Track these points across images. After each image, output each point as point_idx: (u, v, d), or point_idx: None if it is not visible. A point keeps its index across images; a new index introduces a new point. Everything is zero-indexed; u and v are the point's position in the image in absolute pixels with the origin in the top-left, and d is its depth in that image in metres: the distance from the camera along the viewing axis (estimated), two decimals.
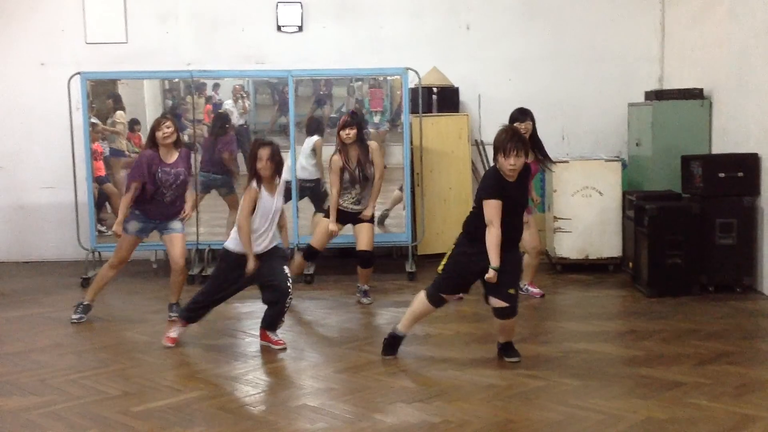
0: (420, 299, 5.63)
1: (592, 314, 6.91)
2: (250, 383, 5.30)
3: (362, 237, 7.25)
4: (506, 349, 5.61)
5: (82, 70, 8.62)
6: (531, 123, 7.03)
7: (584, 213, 8.42)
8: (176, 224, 6.76)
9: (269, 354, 5.88)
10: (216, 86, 9.42)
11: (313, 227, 8.26)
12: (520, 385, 5.11)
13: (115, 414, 4.75)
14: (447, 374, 5.38)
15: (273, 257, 5.96)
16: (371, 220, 7.37)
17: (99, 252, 8.69)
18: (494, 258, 5.26)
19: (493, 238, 5.27)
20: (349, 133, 7.08)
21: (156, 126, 6.64)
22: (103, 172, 9.05)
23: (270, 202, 5.88)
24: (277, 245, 6.05)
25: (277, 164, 5.84)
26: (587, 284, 8.04)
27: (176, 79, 9.19)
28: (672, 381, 5.13)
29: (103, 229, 8.97)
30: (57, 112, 8.99)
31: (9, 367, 5.71)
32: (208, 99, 9.45)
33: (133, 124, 9.12)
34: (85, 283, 8.26)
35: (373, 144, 7.35)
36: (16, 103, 9.54)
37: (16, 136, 9.56)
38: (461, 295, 6.16)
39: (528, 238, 7.12)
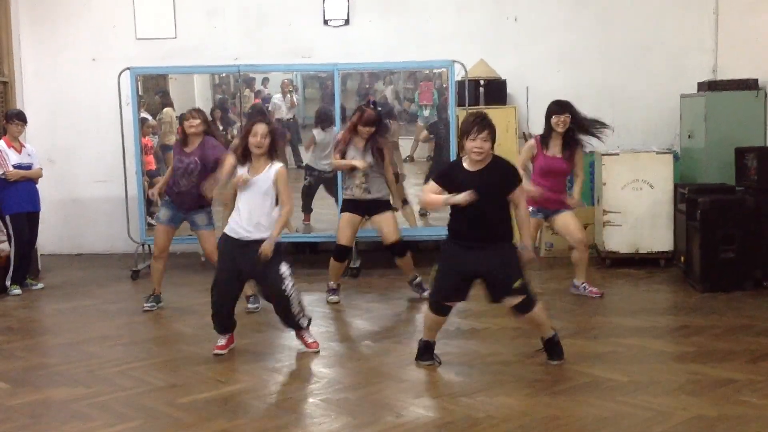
0: (425, 309, 5.50)
1: (642, 309, 6.79)
2: (293, 376, 5.32)
3: (385, 230, 7.05)
4: (548, 350, 5.41)
5: (132, 66, 8.73)
6: (569, 116, 6.91)
7: (634, 206, 8.29)
8: (201, 219, 6.83)
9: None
10: (265, 80, 9.47)
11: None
12: (566, 381, 5.04)
13: (161, 405, 4.80)
14: (492, 369, 5.33)
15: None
16: (389, 208, 7.10)
17: (149, 245, 8.80)
18: (452, 200, 5.00)
19: (431, 204, 5.21)
20: (370, 131, 6.90)
21: (184, 117, 6.85)
22: (153, 166, 9.18)
23: (253, 183, 5.53)
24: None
25: (272, 144, 5.55)
26: (637, 279, 7.90)
27: (224, 74, 9.26)
28: (723, 378, 5.01)
29: (153, 222, 9.08)
30: (108, 107, 9.13)
31: (59, 357, 5.82)
32: (257, 93, 9.50)
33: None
34: (135, 275, 8.39)
35: (387, 144, 7.15)
36: (68, 98, 9.71)
37: (68, 131, 9.73)
38: None
39: (572, 232, 7.03)
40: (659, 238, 8.29)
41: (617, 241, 8.35)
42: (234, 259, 5.57)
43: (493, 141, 5.09)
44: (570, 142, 6.95)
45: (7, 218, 7.85)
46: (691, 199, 7.48)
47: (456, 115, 8.59)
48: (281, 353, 5.79)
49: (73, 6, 9.69)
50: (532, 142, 7.18)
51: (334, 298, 7.15)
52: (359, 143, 6.96)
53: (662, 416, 4.44)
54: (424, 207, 4.98)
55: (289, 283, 5.57)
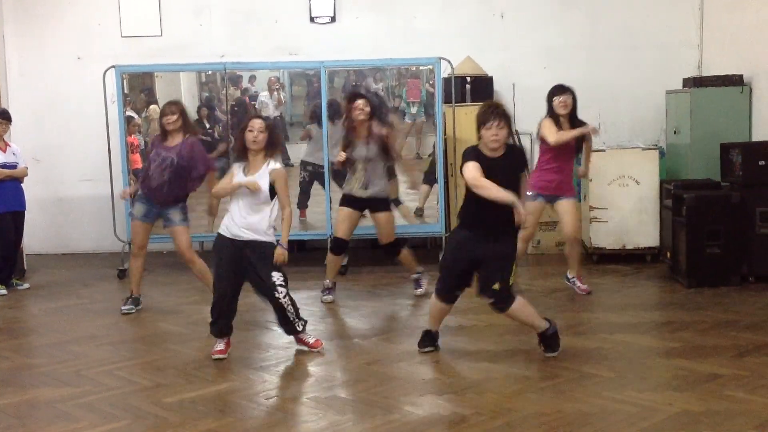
0: (431, 297, 5.59)
1: (629, 305, 6.82)
2: (281, 375, 5.31)
3: (381, 230, 7.05)
4: (543, 342, 5.48)
5: (118, 64, 8.69)
6: (571, 97, 6.92)
7: (621, 202, 8.32)
8: (175, 215, 6.74)
9: (300, 346, 5.87)
10: (252, 78, 9.44)
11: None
12: (553, 377, 5.05)
13: (148, 405, 4.78)
14: (479, 366, 5.33)
15: (261, 256, 5.49)
16: (387, 208, 7.06)
17: None
18: (501, 193, 5.05)
19: (486, 189, 5.10)
20: (364, 109, 6.80)
21: (162, 112, 6.79)
22: (139, 165, 9.11)
23: (243, 179, 5.47)
24: (267, 242, 5.53)
25: (270, 139, 5.51)
26: (624, 275, 7.93)
27: (211, 72, 9.23)
28: (709, 373, 5.03)
29: None
30: (93, 105, 9.06)
31: (45, 358, 5.79)
32: (244, 91, 9.47)
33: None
34: (122, 274, 8.35)
35: (385, 130, 7.02)
36: (53, 97, 9.66)
37: (53, 129, 9.68)
38: None
39: (565, 225, 7.03)
40: (645, 233, 8.32)
41: (604, 237, 8.38)
42: (231, 256, 5.51)
43: (510, 129, 5.29)
44: (574, 123, 6.93)
45: None
46: (677, 195, 7.51)
47: (443, 112, 8.60)
48: (268, 352, 5.78)
49: (58, 4, 9.63)
50: (549, 120, 7.00)
51: (328, 297, 7.13)
52: (361, 133, 6.88)
53: (648, 411, 4.46)
54: (475, 187, 5.03)
55: (282, 291, 5.53)
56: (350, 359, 5.61)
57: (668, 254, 7.82)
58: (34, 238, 9.36)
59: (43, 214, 9.61)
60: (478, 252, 5.26)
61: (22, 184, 8.07)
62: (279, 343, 5.97)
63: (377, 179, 6.96)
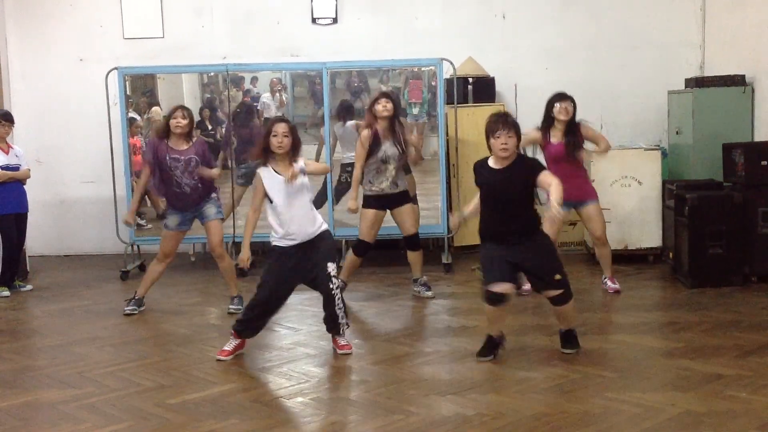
0: (485, 306, 5.47)
1: (631, 305, 6.81)
2: (284, 376, 5.31)
3: (407, 222, 7.04)
4: (565, 339, 5.52)
5: (120, 65, 8.70)
6: (572, 104, 6.95)
7: (623, 203, 8.31)
8: (210, 209, 6.78)
9: (302, 347, 5.88)
10: (254, 79, 9.45)
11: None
12: (556, 378, 5.05)
13: (151, 406, 4.79)
14: (482, 366, 5.33)
15: (317, 251, 5.53)
16: (410, 200, 7.13)
17: (138, 245, 8.78)
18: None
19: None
20: (386, 106, 6.83)
21: (170, 114, 6.74)
22: (141, 167, 9.14)
23: (278, 178, 5.46)
24: (322, 234, 5.60)
25: (294, 141, 5.51)
26: (626, 275, 7.92)
27: (213, 73, 9.24)
28: (712, 373, 5.03)
29: (142, 222, 9.07)
30: (95, 107, 9.08)
31: (48, 359, 5.80)
32: (246, 92, 9.48)
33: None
34: (124, 276, 8.36)
35: (407, 128, 7.12)
36: (55, 98, 9.67)
37: (55, 131, 9.69)
38: (526, 288, 6.20)
39: (592, 229, 7.13)
40: (648, 234, 8.32)
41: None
42: (295, 263, 5.51)
43: (519, 138, 5.28)
44: (572, 131, 6.95)
45: None
46: (680, 195, 7.50)
47: (445, 113, 8.60)
48: (271, 353, 5.78)
49: (60, 6, 9.64)
50: (534, 132, 7.10)
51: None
52: (387, 135, 6.89)
53: (651, 412, 4.46)
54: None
55: (336, 282, 5.56)
56: (353, 360, 5.61)
57: (671, 254, 7.81)
58: (37, 240, 9.38)
59: (46, 215, 9.62)
60: (512, 256, 5.27)
61: (24, 186, 8.09)
62: (282, 344, 5.98)
63: (402, 174, 7.07)
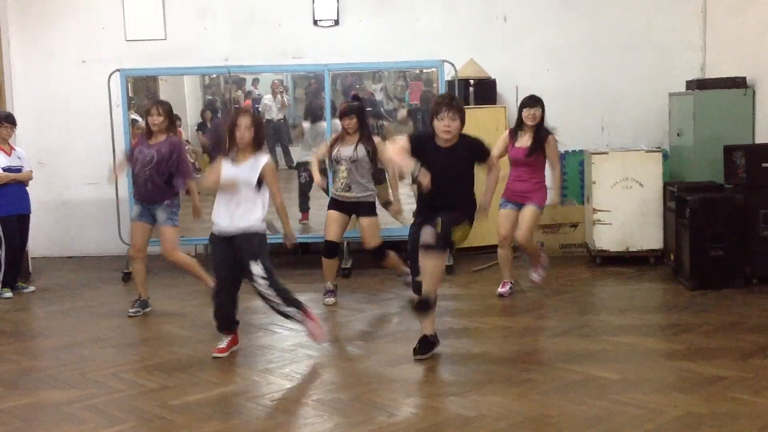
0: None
1: (633, 307, 6.82)
2: (286, 377, 5.32)
3: (365, 235, 7.06)
4: (420, 305, 5.41)
5: (122, 67, 8.72)
6: (540, 110, 7.05)
7: (624, 205, 8.32)
8: (160, 214, 6.80)
9: (304, 348, 5.89)
10: (255, 81, 9.47)
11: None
12: (557, 379, 5.06)
13: (154, 407, 4.80)
14: (483, 368, 5.34)
15: (246, 248, 5.54)
16: (372, 213, 7.08)
17: None
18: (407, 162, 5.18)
19: (394, 152, 5.23)
20: (350, 123, 6.95)
21: (147, 112, 6.83)
22: None
23: (232, 171, 5.55)
24: (250, 233, 5.55)
25: (257, 134, 5.58)
26: (627, 277, 7.93)
27: (214, 75, 9.25)
28: (713, 375, 5.04)
29: None
30: (98, 108, 9.10)
31: (51, 360, 5.81)
32: (248, 94, 9.50)
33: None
34: (126, 277, 8.37)
35: (378, 140, 7.09)
36: (58, 100, 9.68)
37: (57, 133, 9.70)
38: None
39: (519, 227, 7.08)
40: (649, 236, 8.33)
41: (607, 239, 8.38)
42: (223, 250, 5.59)
43: (462, 121, 5.39)
44: (538, 137, 7.01)
45: None
46: (681, 198, 7.51)
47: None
48: (273, 354, 5.79)
49: (62, 8, 9.66)
50: (505, 134, 7.33)
51: (330, 300, 7.14)
52: (349, 140, 7.00)
53: (653, 413, 4.47)
54: (386, 159, 5.27)
55: (263, 282, 5.55)
56: (354, 361, 5.62)
57: (672, 256, 7.82)
58: (39, 242, 9.39)
59: (48, 217, 9.63)
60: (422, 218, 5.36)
61: (26, 188, 8.10)
62: (283, 345, 5.99)
63: (360, 181, 7.01)
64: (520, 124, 7.11)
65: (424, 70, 9.15)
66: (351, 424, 4.48)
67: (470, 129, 8.72)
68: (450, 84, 8.63)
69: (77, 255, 9.80)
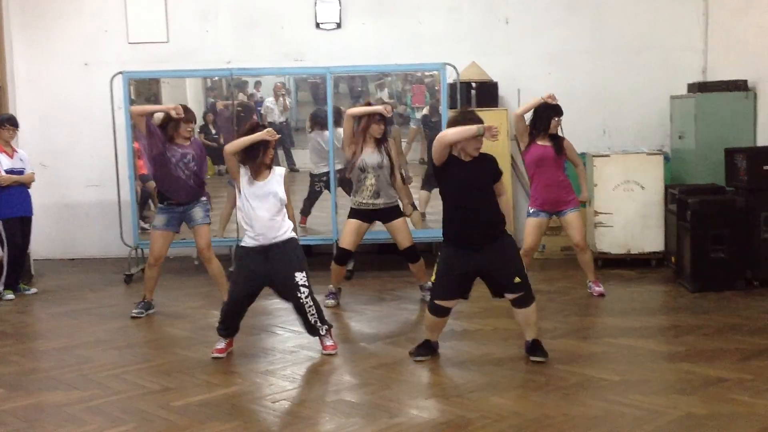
0: (426, 311, 5.60)
1: (634, 309, 6.83)
2: (287, 378, 5.33)
3: (399, 237, 7.04)
4: (533, 348, 5.48)
5: (124, 70, 8.74)
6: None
7: (626, 207, 8.33)
8: (198, 213, 6.86)
9: (306, 349, 5.90)
10: (258, 84, 9.49)
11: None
12: (558, 381, 5.07)
13: (155, 408, 4.81)
14: (484, 369, 5.35)
15: (283, 260, 5.62)
16: (401, 214, 7.09)
17: (142, 249, 8.80)
18: (465, 128, 5.13)
19: (451, 132, 5.17)
20: (380, 130, 6.88)
21: (186, 118, 6.76)
22: (146, 170, 9.17)
23: (262, 187, 5.61)
24: (288, 241, 5.68)
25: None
26: (629, 279, 7.94)
27: (217, 78, 9.28)
28: (714, 377, 5.05)
29: (146, 226, 9.09)
30: (100, 111, 9.13)
31: (53, 362, 5.82)
32: (250, 97, 9.52)
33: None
34: (128, 279, 8.39)
35: (390, 142, 7.12)
36: (60, 102, 9.71)
37: (61, 135, 9.72)
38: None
39: (572, 235, 7.13)
40: (650, 238, 8.33)
41: (609, 242, 8.39)
42: (253, 263, 5.62)
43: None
44: (556, 139, 7.06)
45: (0, 223, 7.84)
46: (682, 200, 7.52)
47: (448, 117, 8.62)
48: (275, 356, 5.81)
49: (65, 10, 9.68)
50: (524, 124, 7.17)
51: (331, 302, 7.14)
52: (370, 144, 6.92)
53: (653, 415, 4.48)
54: (443, 136, 5.16)
55: (305, 291, 5.61)
56: (356, 363, 5.63)
57: (673, 259, 7.83)
58: (41, 244, 9.40)
59: (50, 219, 9.65)
60: (471, 266, 5.29)
61: (29, 190, 8.12)
62: (285, 346, 6.00)
63: (387, 187, 6.98)
64: (542, 129, 7.02)
65: (427, 73, 9.16)
66: (353, 425, 4.48)
67: None
68: (452, 87, 8.64)
69: (79, 257, 9.82)
